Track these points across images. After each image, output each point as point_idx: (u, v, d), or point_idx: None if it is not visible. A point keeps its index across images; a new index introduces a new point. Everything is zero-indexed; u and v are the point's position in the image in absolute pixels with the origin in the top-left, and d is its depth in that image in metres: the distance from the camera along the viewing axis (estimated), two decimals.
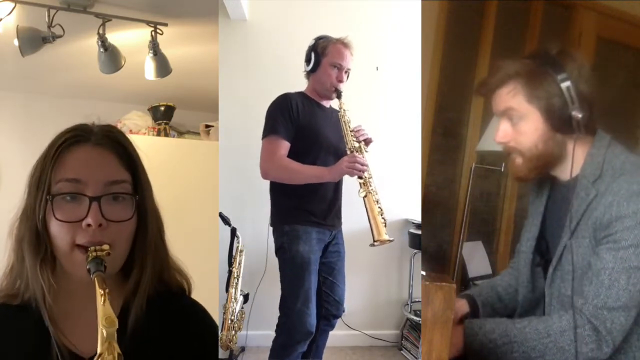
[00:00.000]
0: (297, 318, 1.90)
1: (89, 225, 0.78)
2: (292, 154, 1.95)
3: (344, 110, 2.01)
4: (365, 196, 1.86)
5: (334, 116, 2.06)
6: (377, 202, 1.88)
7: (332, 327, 2.16)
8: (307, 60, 2.04)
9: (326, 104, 2.12)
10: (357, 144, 1.95)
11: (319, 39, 2.04)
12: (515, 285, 1.35)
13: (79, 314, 0.83)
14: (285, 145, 1.92)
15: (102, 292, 0.71)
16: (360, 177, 1.87)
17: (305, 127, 1.96)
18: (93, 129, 0.86)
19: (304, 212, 1.96)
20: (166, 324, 0.88)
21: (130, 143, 0.88)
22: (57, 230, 0.79)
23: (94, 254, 0.77)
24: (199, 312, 0.95)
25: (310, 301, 1.92)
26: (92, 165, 0.82)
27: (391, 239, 1.86)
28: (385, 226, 1.86)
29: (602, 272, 1.00)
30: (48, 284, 0.80)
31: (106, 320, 0.67)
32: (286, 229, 1.96)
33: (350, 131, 1.97)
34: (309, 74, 2.07)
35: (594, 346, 0.99)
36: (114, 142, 0.85)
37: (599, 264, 1.01)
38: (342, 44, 2.02)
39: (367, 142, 2.00)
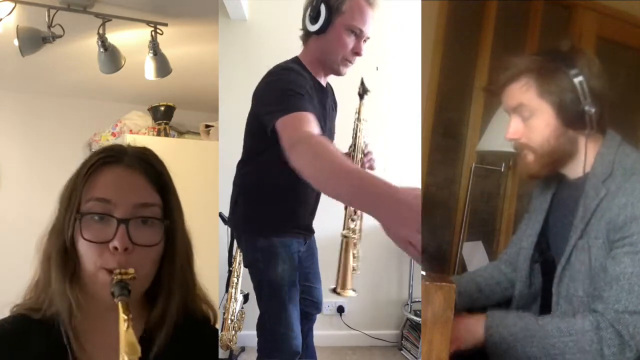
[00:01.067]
0: (281, 342, 1.59)
1: (115, 248, 0.76)
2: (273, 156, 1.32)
3: (362, 119, 1.54)
4: (346, 238, 1.48)
5: (330, 99, 1.64)
6: (356, 246, 1.51)
7: (313, 322, 1.95)
8: (314, 17, 1.42)
9: (324, 81, 1.59)
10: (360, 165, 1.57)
11: None
12: (498, 278, 1.36)
13: (100, 336, 0.82)
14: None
15: (126, 317, 0.69)
16: (353, 217, 1.52)
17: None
18: (127, 150, 0.85)
19: (284, 221, 1.57)
20: (187, 352, 0.87)
21: (164, 166, 0.87)
22: (85, 250, 0.78)
23: (119, 277, 0.75)
24: (214, 340, 0.95)
25: (294, 323, 1.59)
26: (122, 186, 0.81)
27: (354, 294, 1.47)
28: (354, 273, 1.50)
29: (622, 276, 1.00)
30: (76, 302, 0.78)
31: (128, 348, 0.65)
32: (261, 243, 1.54)
33: (362, 154, 1.55)
34: (310, 35, 1.49)
35: (616, 350, 0.98)
36: (147, 164, 0.84)
37: (618, 268, 1.01)
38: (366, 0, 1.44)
39: (371, 168, 1.62)
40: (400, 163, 2.94)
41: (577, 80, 1.07)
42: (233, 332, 2.27)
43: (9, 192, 2.97)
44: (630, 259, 1.00)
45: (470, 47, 2.46)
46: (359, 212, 1.45)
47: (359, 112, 1.54)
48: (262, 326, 1.65)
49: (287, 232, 1.57)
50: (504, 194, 2.67)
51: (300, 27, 1.54)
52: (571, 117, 1.09)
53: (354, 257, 1.48)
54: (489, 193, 2.65)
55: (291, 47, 3.01)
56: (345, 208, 1.49)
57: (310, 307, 1.86)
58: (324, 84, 1.60)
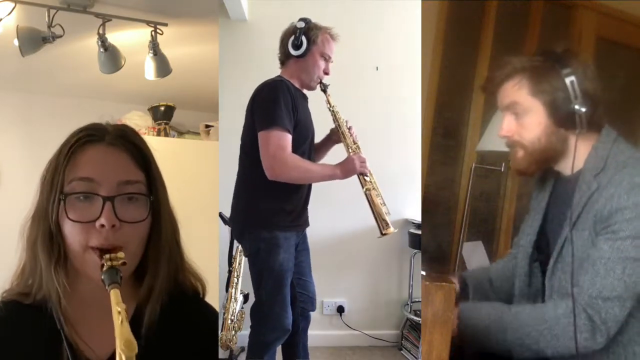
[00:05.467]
0: (276, 320, 1.86)
1: (102, 225, 0.76)
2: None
3: (334, 106, 1.96)
4: (370, 192, 1.88)
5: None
6: (379, 196, 1.91)
7: (309, 322, 2.12)
8: (297, 45, 1.87)
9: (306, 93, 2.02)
10: (354, 144, 1.95)
11: (308, 23, 1.89)
12: (507, 274, 1.36)
13: (91, 317, 0.81)
14: (290, 140, 1.76)
15: (120, 309, 0.67)
16: (366, 175, 1.89)
17: (300, 122, 1.84)
18: (107, 128, 0.84)
19: (284, 215, 1.84)
20: (179, 327, 0.86)
21: (144, 143, 0.86)
22: (70, 231, 0.77)
23: (109, 263, 0.74)
24: (209, 315, 0.94)
25: (288, 304, 1.87)
26: (105, 164, 0.80)
27: (395, 230, 1.90)
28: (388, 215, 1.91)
29: (598, 261, 1.01)
30: (63, 286, 0.78)
31: (125, 344, 0.64)
32: (264, 235, 1.81)
33: (347, 128, 1.97)
34: (290, 58, 1.91)
35: (588, 335, 0.99)
36: (128, 142, 0.83)
37: (596, 253, 1.02)
38: (331, 35, 1.93)
39: (356, 140, 2.00)
40: (400, 163, 2.94)
41: (569, 80, 1.08)
42: (233, 332, 2.27)
43: (9, 192, 2.97)
44: (609, 245, 1.01)
45: (470, 47, 2.46)
46: (368, 172, 1.90)
47: (328, 102, 1.97)
48: (258, 309, 1.88)
49: (286, 226, 1.84)
50: (504, 194, 2.67)
51: (279, 51, 1.97)
52: (562, 117, 1.10)
53: (382, 204, 1.89)
54: (488, 193, 2.65)
55: None
56: (358, 175, 1.89)
57: (307, 303, 2.03)
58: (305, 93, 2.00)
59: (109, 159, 0.81)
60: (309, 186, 1.96)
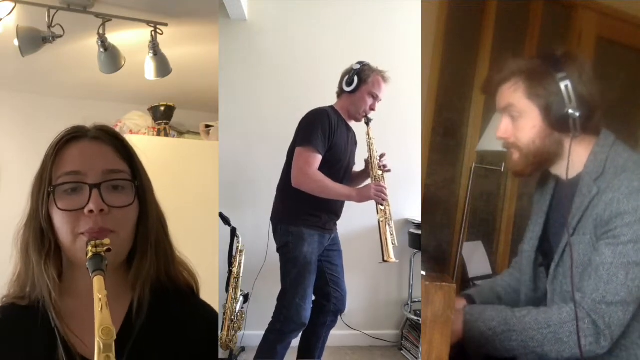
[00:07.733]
0: (294, 311, 2.04)
1: (91, 211, 0.78)
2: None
3: (372, 138, 2.18)
4: (382, 221, 2.06)
5: (352, 137, 2.25)
6: (390, 226, 2.08)
7: (336, 321, 2.29)
8: (349, 82, 2.14)
9: (351, 124, 2.24)
10: (380, 172, 2.13)
11: (363, 65, 2.13)
12: (515, 285, 1.36)
13: (84, 313, 0.82)
14: (319, 159, 2.02)
15: (101, 296, 0.68)
16: (381, 205, 2.05)
17: (335, 146, 2.07)
18: (89, 127, 0.88)
19: (312, 217, 2.08)
20: (173, 322, 0.87)
21: (124, 138, 0.90)
22: (60, 221, 0.80)
23: (94, 250, 0.76)
24: (207, 314, 0.94)
25: (308, 296, 2.07)
26: (90, 156, 0.84)
27: (396, 260, 2.08)
28: (394, 246, 2.08)
29: (601, 267, 1.02)
30: (53, 279, 0.80)
31: (103, 331, 0.64)
32: (292, 229, 2.06)
33: (377, 158, 2.16)
34: (344, 93, 2.17)
35: (592, 340, 1.00)
36: (110, 136, 0.87)
37: (598, 259, 1.03)
38: (382, 77, 2.15)
39: (386, 170, 2.17)
40: (400, 163, 2.94)
41: (563, 84, 1.08)
42: (233, 332, 2.27)
43: (9, 192, 2.97)
44: (611, 250, 1.01)
45: (470, 47, 2.46)
46: (383, 202, 2.06)
47: (368, 134, 2.20)
48: (282, 298, 2.09)
49: (312, 226, 2.08)
50: (504, 194, 2.67)
51: (337, 85, 2.22)
52: (556, 120, 1.10)
53: (390, 235, 2.07)
54: (489, 193, 2.65)
55: (290, 47, 3.02)
56: (377, 204, 2.06)
57: (340, 301, 2.24)
58: (351, 126, 2.25)
59: (93, 150, 0.84)
60: (341, 202, 2.17)
